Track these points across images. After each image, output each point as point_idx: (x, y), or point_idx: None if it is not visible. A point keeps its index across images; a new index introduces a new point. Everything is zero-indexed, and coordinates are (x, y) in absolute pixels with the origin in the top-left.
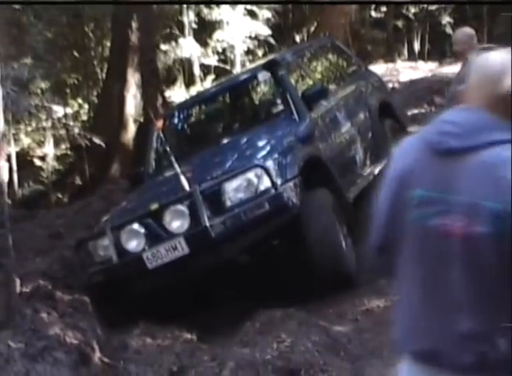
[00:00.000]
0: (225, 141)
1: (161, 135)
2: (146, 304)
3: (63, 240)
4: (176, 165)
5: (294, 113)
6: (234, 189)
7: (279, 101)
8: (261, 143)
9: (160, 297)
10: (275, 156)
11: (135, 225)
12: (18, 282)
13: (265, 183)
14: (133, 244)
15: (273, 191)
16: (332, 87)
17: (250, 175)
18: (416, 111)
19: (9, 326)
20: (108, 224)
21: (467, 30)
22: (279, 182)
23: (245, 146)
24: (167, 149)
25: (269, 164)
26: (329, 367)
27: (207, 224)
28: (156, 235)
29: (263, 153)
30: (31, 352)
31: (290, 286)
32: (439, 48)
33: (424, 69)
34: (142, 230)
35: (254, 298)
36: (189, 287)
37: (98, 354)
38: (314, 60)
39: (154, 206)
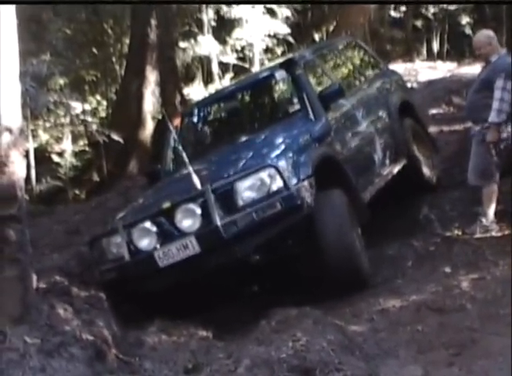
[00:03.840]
0: (242, 139)
1: (178, 133)
2: (162, 301)
3: (80, 236)
4: (188, 163)
5: (310, 112)
6: (246, 189)
7: (295, 100)
8: (276, 142)
9: (176, 294)
10: (290, 155)
11: (147, 224)
12: (34, 277)
13: (278, 183)
14: (145, 243)
15: (285, 191)
16: (352, 86)
17: (263, 174)
18: (434, 111)
19: (25, 321)
20: (121, 222)
21: (488, 33)
22: (291, 182)
23: (260, 145)
24: (180, 147)
25: (282, 163)
26: (344, 366)
27: (219, 223)
28: (168, 234)
29: (277, 152)
30: (47, 348)
31: (305, 286)
32: (458, 48)
33: (443, 69)
34: (154, 229)
35: (268, 297)
36: (205, 285)
37: (113, 350)
38: (334, 59)
39: (166, 204)
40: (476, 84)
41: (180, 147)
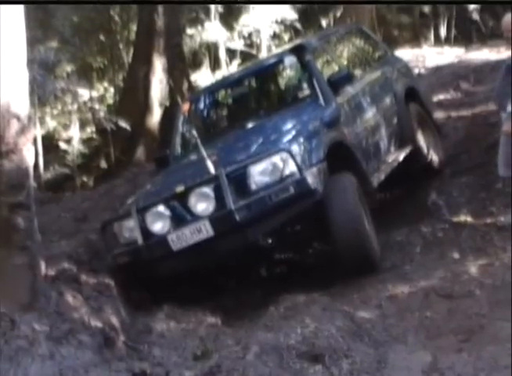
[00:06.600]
0: (251, 125)
1: (187, 118)
2: (171, 287)
3: (88, 224)
4: (202, 148)
5: (320, 97)
6: (259, 173)
7: (305, 86)
8: (286, 128)
9: (185, 281)
10: (301, 140)
11: (161, 208)
12: (43, 265)
13: (290, 167)
14: (158, 226)
15: (298, 175)
16: (358, 72)
17: (276, 158)
18: (442, 97)
19: (34, 308)
20: (133, 206)
21: None
22: (304, 166)
23: (270, 131)
24: (193, 132)
25: (295, 148)
26: (352, 353)
27: (232, 207)
28: (181, 217)
29: (288, 137)
30: (56, 335)
31: (314, 271)
32: (465, 33)
33: (450, 54)
34: (168, 212)
35: (277, 283)
36: (214, 271)
37: (122, 337)
38: (340, 46)
39: (180, 188)
40: (502, 71)
41: (193, 131)
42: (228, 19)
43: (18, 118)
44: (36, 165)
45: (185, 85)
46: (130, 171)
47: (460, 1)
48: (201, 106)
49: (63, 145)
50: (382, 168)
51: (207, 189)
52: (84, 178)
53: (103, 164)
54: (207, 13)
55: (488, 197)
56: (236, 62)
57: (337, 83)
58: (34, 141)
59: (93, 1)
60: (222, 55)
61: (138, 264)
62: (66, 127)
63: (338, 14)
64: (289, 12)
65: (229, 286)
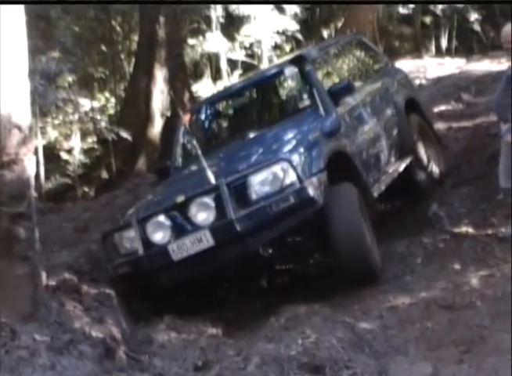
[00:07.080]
0: (251, 135)
1: (188, 129)
2: (171, 298)
3: (89, 234)
4: (202, 158)
5: (320, 108)
6: (260, 183)
7: (305, 96)
8: (287, 138)
9: (186, 291)
10: (301, 150)
11: (161, 218)
12: (44, 275)
13: (291, 177)
14: (159, 236)
15: (298, 185)
16: (358, 83)
17: (276, 168)
18: (443, 108)
19: (35, 319)
20: (134, 216)
21: None
22: (304, 176)
23: (271, 141)
24: (194, 143)
25: (295, 158)
26: (353, 364)
27: (233, 217)
28: (182, 227)
29: (289, 147)
30: (57, 345)
31: (314, 281)
32: (466, 44)
33: (451, 66)
34: (168, 222)
35: (278, 294)
36: (214, 282)
37: (123, 348)
38: (341, 56)
39: (180, 198)
40: (503, 82)
41: (194, 142)
42: (230, 30)
43: (19, 128)
44: (37, 175)
45: (187, 96)
46: (131, 182)
47: (461, 1)
48: (202, 116)
49: (64, 155)
50: (382, 179)
51: (208, 199)
52: (86, 189)
53: (104, 175)
54: (209, 24)
55: (489, 208)
56: (238, 72)
57: (338, 94)
58: (36, 151)
59: (94, 2)
60: (224, 65)
61: (139, 274)
62: (67, 137)
63: (339, 25)
64: (290, 23)
65: (230, 296)
